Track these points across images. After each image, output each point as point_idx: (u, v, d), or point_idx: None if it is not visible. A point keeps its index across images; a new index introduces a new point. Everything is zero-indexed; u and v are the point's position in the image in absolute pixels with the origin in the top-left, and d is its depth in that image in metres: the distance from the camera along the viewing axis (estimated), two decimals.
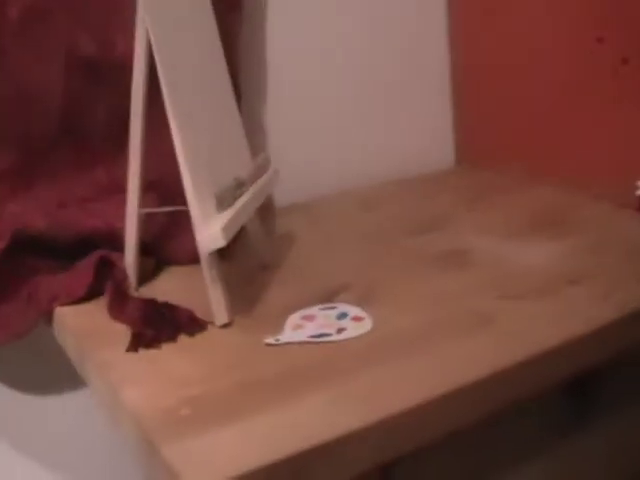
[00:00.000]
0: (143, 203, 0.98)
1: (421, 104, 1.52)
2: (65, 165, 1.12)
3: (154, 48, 0.84)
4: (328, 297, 0.94)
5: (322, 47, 1.39)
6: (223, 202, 0.89)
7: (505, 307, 0.87)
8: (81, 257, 1.04)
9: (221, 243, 0.82)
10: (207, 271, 0.86)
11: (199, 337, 0.86)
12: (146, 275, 1.04)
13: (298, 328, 0.86)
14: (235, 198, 0.91)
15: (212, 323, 0.88)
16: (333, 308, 0.90)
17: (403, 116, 1.50)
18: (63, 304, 0.99)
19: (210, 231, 0.82)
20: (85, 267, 1.01)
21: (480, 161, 1.49)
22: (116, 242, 1.02)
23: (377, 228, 1.18)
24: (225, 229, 0.82)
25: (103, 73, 1.10)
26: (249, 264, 1.06)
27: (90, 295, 0.99)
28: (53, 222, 1.05)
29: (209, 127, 0.93)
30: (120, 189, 1.00)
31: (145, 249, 1.03)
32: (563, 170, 1.29)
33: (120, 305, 0.94)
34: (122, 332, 0.88)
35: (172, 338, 0.86)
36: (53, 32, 1.07)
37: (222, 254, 0.88)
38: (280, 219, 1.26)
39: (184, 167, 0.84)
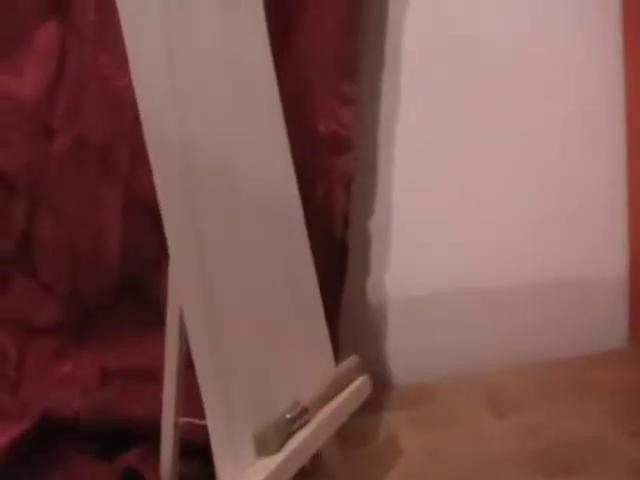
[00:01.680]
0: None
1: (596, 276, 1.21)
2: (125, 325, 0.94)
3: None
4: None
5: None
6: (267, 444, 0.65)
7: None
8: (117, 443, 0.85)
9: None
10: None
11: None
12: None
13: None
14: (290, 433, 0.67)
15: None
16: None
17: (571, 286, 1.19)
18: None
19: None
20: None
21: None
22: (159, 434, 0.81)
23: (500, 454, 0.88)
24: None
25: None
26: None
27: None
28: (89, 405, 0.87)
29: (258, 332, 0.72)
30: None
31: (191, 451, 0.82)
32: None
33: None
34: None
35: None
36: (110, 168, 0.90)
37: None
38: (384, 413, 1.00)
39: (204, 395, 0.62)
